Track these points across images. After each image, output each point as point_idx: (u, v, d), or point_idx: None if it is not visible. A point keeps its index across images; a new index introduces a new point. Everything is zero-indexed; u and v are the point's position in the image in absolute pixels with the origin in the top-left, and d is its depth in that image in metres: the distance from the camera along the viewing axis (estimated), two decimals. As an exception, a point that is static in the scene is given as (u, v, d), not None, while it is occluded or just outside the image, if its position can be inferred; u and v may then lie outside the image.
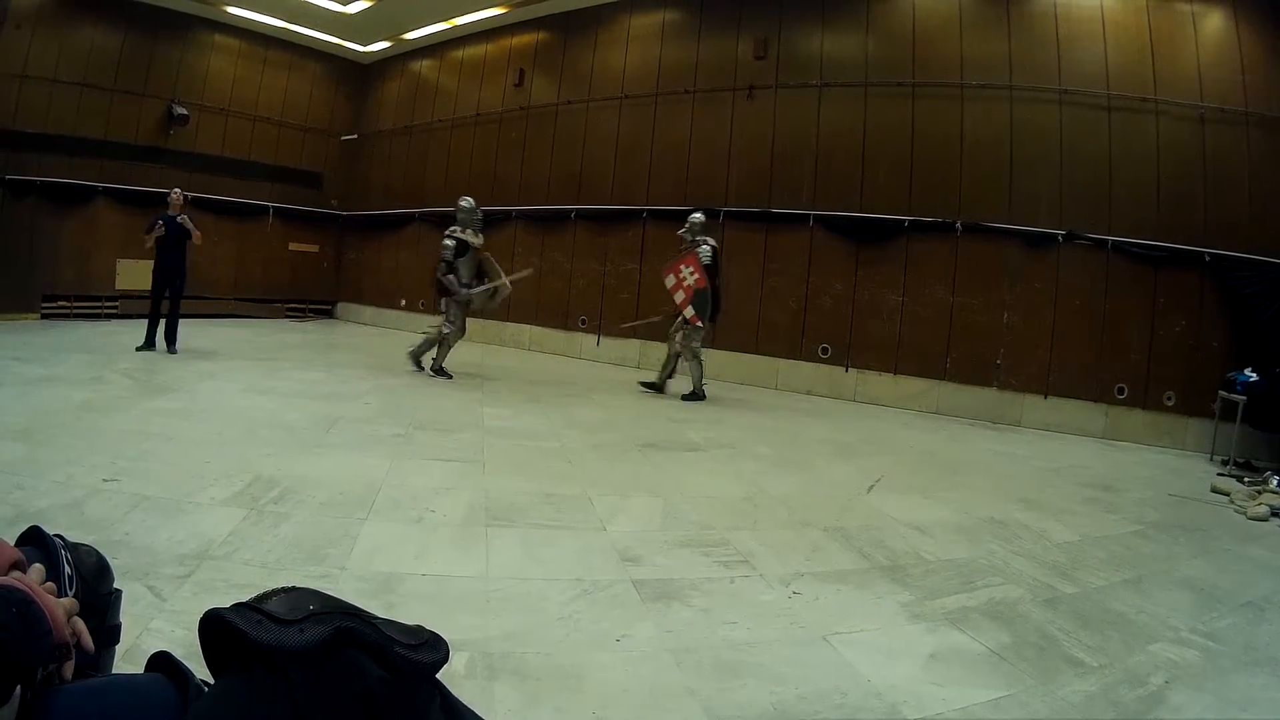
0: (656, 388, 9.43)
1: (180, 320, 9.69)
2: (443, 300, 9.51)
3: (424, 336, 9.90)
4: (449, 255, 9.26)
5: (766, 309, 10.85)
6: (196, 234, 9.52)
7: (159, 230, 9.26)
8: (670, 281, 9.08)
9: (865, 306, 10.29)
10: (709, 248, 8.99)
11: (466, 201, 9.51)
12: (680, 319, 9.05)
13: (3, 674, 0.78)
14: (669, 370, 9.46)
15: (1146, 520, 5.45)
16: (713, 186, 11.42)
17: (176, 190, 9.75)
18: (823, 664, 2.89)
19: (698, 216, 9.31)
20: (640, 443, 6.63)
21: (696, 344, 9.05)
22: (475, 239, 9.44)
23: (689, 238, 9.13)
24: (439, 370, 9.48)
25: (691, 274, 8.89)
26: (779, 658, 2.90)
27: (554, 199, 13.03)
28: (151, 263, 9.41)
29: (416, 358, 9.73)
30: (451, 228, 9.44)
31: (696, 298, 8.85)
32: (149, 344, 9.39)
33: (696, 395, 9.07)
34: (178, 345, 9.56)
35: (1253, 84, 8.70)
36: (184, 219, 9.42)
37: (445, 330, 9.45)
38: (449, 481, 4.92)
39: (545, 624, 3.06)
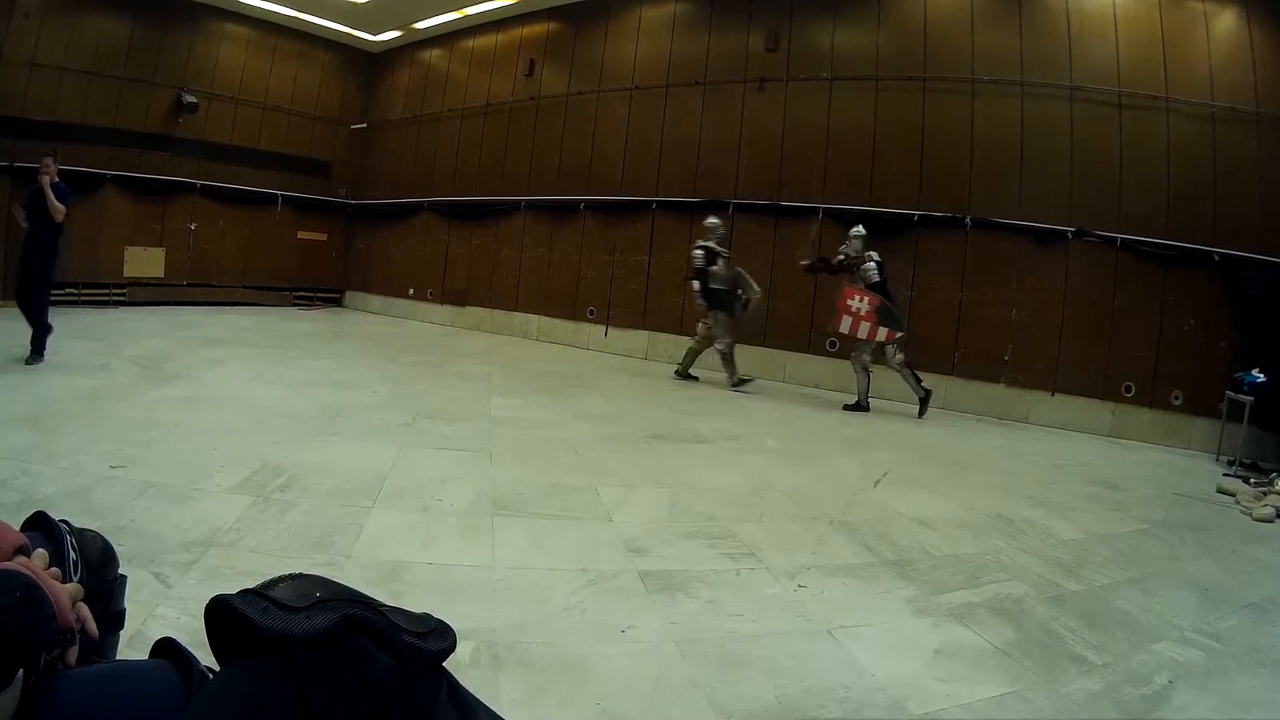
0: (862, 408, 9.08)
1: (48, 317, 7.42)
2: (709, 312, 9.69)
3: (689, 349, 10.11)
4: (699, 264, 9.54)
5: (775, 302, 10.80)
6: (55, 207, 7.26)
7: (21, 216, 7.46)
8: (846, 325, 8.86)
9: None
10: (874, 265, 8.88)
11: (711, 220, 9.98)
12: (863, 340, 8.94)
13: (6, 658, 0.77)
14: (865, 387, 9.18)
15: (1152, 519, 5.43)
16: (722, 179, 11.41)
17: (48, 159, 7.56)
18: (827, 658, 2.89)
19: (859, 230, 9.09)
20: (647, 434, 6.63)
21: (867, 356, 8.95)
22: (721, 248, 9.73)
23: (850, 253, 8.99)
24: (739, 383, 9.71)
25: (860, 301, 8.75)
26: (784, 651, 2.91)
27: (563, 190, 13.01)
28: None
29: (738, 378, 9.85)
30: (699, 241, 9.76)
31: (880, 316, 8.73)
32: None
33: (860, 406, 8.97)
34: (45, 353, 7.28)
35: (1264, 84, 8.64)
36: (44, 182, 7.27)
37: (719, 346, 9.70)
38: (455, 471, 4.93)
39: (551, 614, 3.06)
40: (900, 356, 8.88)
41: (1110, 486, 6.36)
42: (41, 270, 7.45)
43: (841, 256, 9.07)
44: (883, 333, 8.72)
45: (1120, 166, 9.13)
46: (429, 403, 7.15)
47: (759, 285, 9.74)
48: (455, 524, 3.98)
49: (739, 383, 9.72)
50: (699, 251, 9.60)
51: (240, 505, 3.88)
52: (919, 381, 8.92)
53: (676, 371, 10.15)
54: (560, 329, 12.95)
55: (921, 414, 8.89)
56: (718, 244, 9.73)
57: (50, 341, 7.35)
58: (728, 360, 9.75)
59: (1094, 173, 9.24)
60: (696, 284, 9.56)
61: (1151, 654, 3.18)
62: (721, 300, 9.61)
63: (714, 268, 9.58)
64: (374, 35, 15.72)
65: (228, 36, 14.33)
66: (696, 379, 10.00)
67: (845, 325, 8.86)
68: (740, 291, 9.69)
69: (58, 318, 7.55)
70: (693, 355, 10.00)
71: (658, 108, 12.14)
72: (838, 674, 2.77)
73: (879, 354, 8.91)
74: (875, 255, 8.96)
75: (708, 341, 9.79)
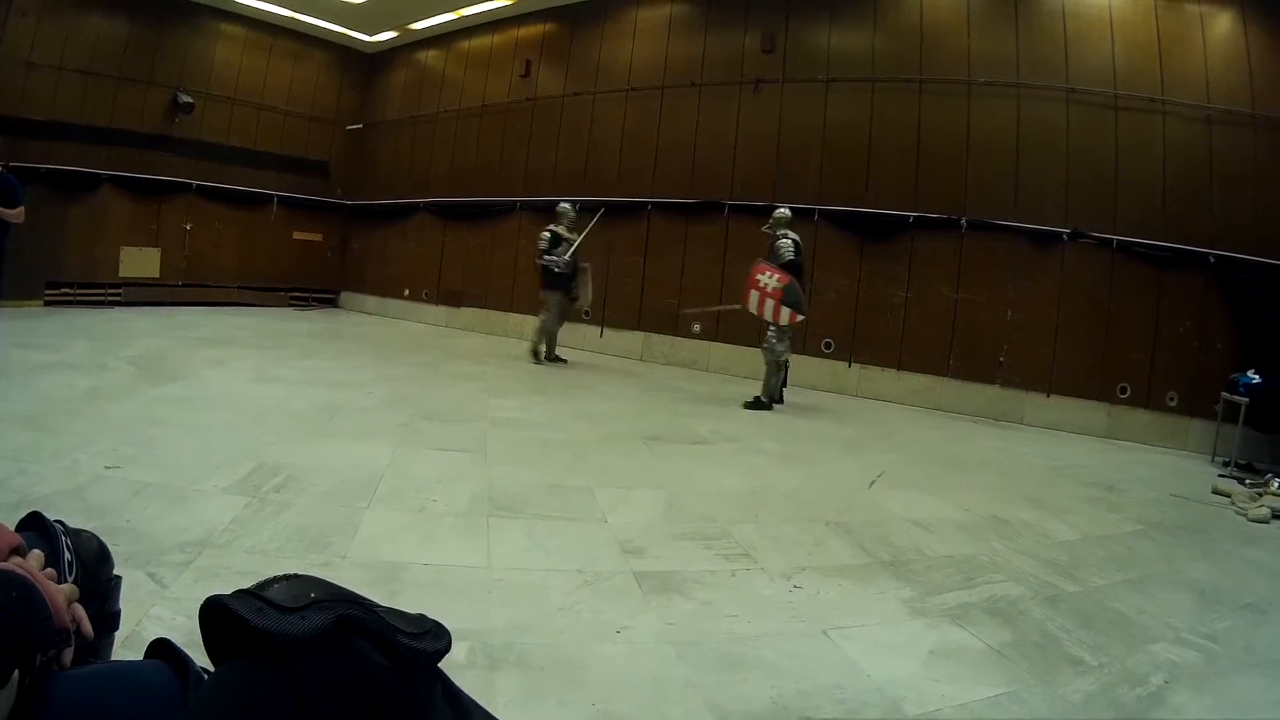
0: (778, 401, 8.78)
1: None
2: (541, 292, 10.44)
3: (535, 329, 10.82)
4: (544, 245, 10.27)
5: (770, 304, 10.85)
6: (11, 214, 6.92)
7: None
8: (754, 300, 8.40)
9: (869, 302, 10.28)
10: (789, 241, 8.58)
11: (563, 205, 10.79)
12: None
13: (1, 659, 0.77)
14: (782, 380, 8.86)
15: (1148, 520, 5.44)
16: (718, 180, 11.41)
17: None
18: (823, 658, 2.89)
19: (783, 212, 8.87)
20: (645, 435, 6.63)
21: (780, 348, 8.52)
22: (570, 234, 10.45)
23: (771, 233, 8.76)
24: (551, 358, 10.58)
25: (771, 277, 8.34)
26: (780, 651, 2.90)
27: (559, 190, 12.96)
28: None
29: (534, 352, 10.63)
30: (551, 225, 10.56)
31: (786, 296, 8.23)
32: None
33: (761, 403, 8.52)
34: None
35: (1260, 86, 8.65)
36: None
37: (542, 317, 10.48)
38: (452, 471, 4.93)
39: (547, 615, 3.06)
40: (787, 357, 8.67)
41: (1106, 488, 6.37)
42: None
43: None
44: (785, 314, 8.30)
45: (1116, 168, 9.14)
46: (425, 403, 7.15)
47: (593, 293, 10.79)
48: (452, 524, 3.98)
49: (550, 359, 10.56)
50: (546, 234, 10.33)
51: (236, 505, 3.87)
52: (783, 387, 8.81)
53: (534, 351, 10.66)
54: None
55: (753, 406, 8.50)
56: (567, 229, 10.44)
57: None
58: (544, 333, 10.56)
59: (1090, 174, 9.25)
60: (556, 265, 10.20)
61: (1147, 655, 3.18)
62: (555, 282, 10.28)
63: (557, 250, 10.24)
64: (370, 36, 15.70)
65: (224, 36, 14.31)
66: (565, 360, 10.72)
67: (753, 302, 8.47)
68: (575, 283, 10.42)
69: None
70: (544, 335, 10.66)
71: (654, 109, 12.14)
72: (834, 674, 2.77)
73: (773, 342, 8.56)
74: (794, 236, 8.71)
75: (558, 319, 10.62)
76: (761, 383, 8.67)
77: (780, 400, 8.79)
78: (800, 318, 8.43)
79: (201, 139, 13.96)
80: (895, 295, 10.14)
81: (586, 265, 10.49)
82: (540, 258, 10.26)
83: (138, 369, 7.41)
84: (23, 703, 0.80)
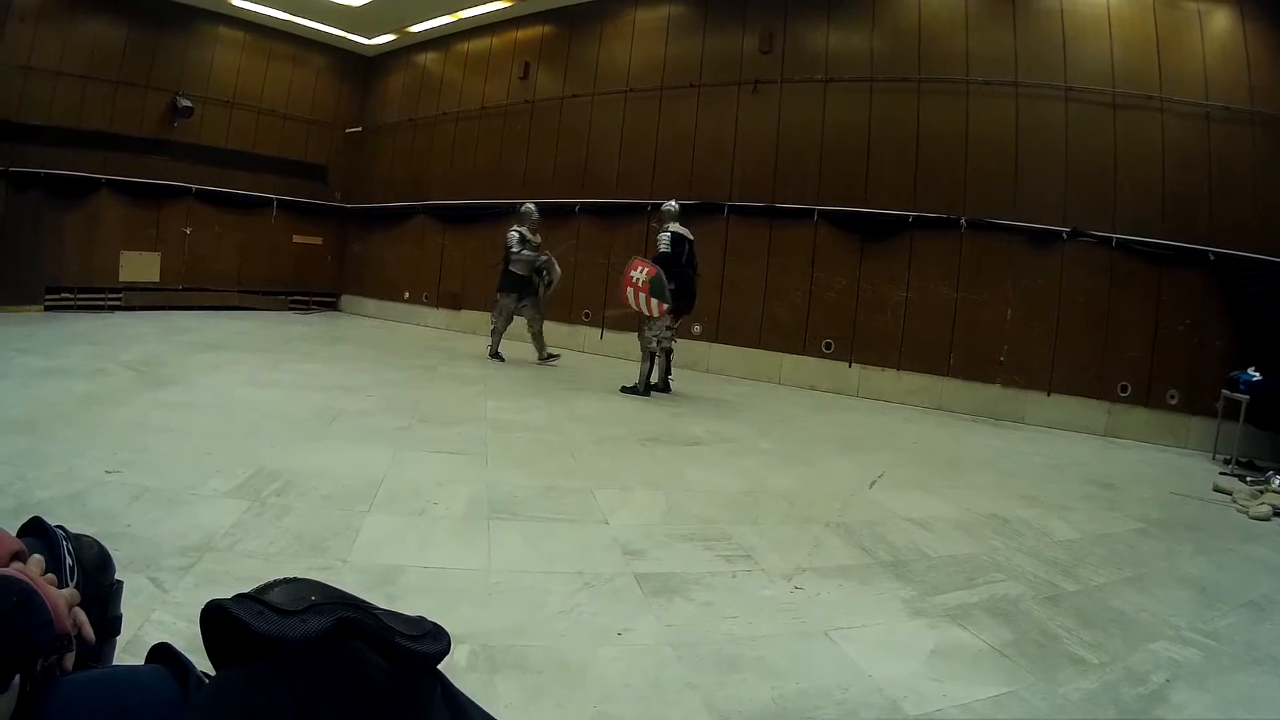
0: (659, 388, 9.01)
1: None
2: (497, 294, 10.62)
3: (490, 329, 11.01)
4: (514, 247, 10.37)
5: (770, 304, 10.84)
6: None
7: None
8: (631, 296, 8.74)
9: (869, 302, 10.28)
10: (667, 234, 8.79)
11: (527, 206, 10.83)
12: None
13: (2, 664, 0.77)
14: (665, 368, 9.11)
15: (1148, 518, 5.44)
16: (717, 181, 11.41)
17: None
18: (824, 659, 2.89)
19: (669, 206, 9.09)
20: (643, 437, 6.63)
21: (650, 334, 8.71)
22: (533, 236, 10.57)
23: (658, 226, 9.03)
24: (494, 354, 10.72)
25: (642, 272, 8.64)
26: (780, 652, 2.91)
27: (558, 192, 13.00)
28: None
29: (494, 351, 10.78)
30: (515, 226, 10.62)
31: (652, 287, 8.56)
32: None
33: (636, 390, 8.74)
34: None
35: (1259, 83, 8.66)
36: None
37: (493, 321, 10.76)
38: (451, 474, 4.93)
39: (547, 617, 3.06)
40: (669, 345, 9.00)
41: (1106, 486, 6.37)
42: None
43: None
44: (655, 305, 8.59)
45: (1115, 166, 9.15)
46: (425, 406, 7.14)
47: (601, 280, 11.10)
48: (451, 527, 3.98)
49: (547, 357, 10.73)
50: (514, 234, 10.42)
51: (236, 510, 3.87)
52: (667, 373, 9.11)
53: (494, 353, 10.81)
54: (555, 332, 12.90)
55: (629, 391, 8.79)
56: (530, 231, 10.53)
57: None
58: (497, 334, 10.76)
59: (1089, 173, 9.25)
60: (519, 262, 10.33)
61: (1148, 653, 3.18)
62: (515, 284, 10.41)
63: (525, 252, 10.37)
64: (368, 39, 15.71)
65: (222, 40, 14.31)
66: (503, 358, 10.69)
67: (630, 298, 8.77)
68: (544, 274, 10.46)
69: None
70: (497, 336, 10.81)
71: (652, 110, 12.15)
72: (834, 675, 2.77)
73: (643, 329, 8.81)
74: (677, 229, 8.86)
75: (506, 320, 10.71)
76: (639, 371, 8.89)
77: (667, 389, 9.04)
78: (666, 306, 8.64)
79: (200, 143, 13.98)
80: (895, 295, 10.15)
81: (549, 256, 10.58)
82: (507, 259, 10.38)
83: (137, 374, 7.40)
84: (24, 707, 0.80)
